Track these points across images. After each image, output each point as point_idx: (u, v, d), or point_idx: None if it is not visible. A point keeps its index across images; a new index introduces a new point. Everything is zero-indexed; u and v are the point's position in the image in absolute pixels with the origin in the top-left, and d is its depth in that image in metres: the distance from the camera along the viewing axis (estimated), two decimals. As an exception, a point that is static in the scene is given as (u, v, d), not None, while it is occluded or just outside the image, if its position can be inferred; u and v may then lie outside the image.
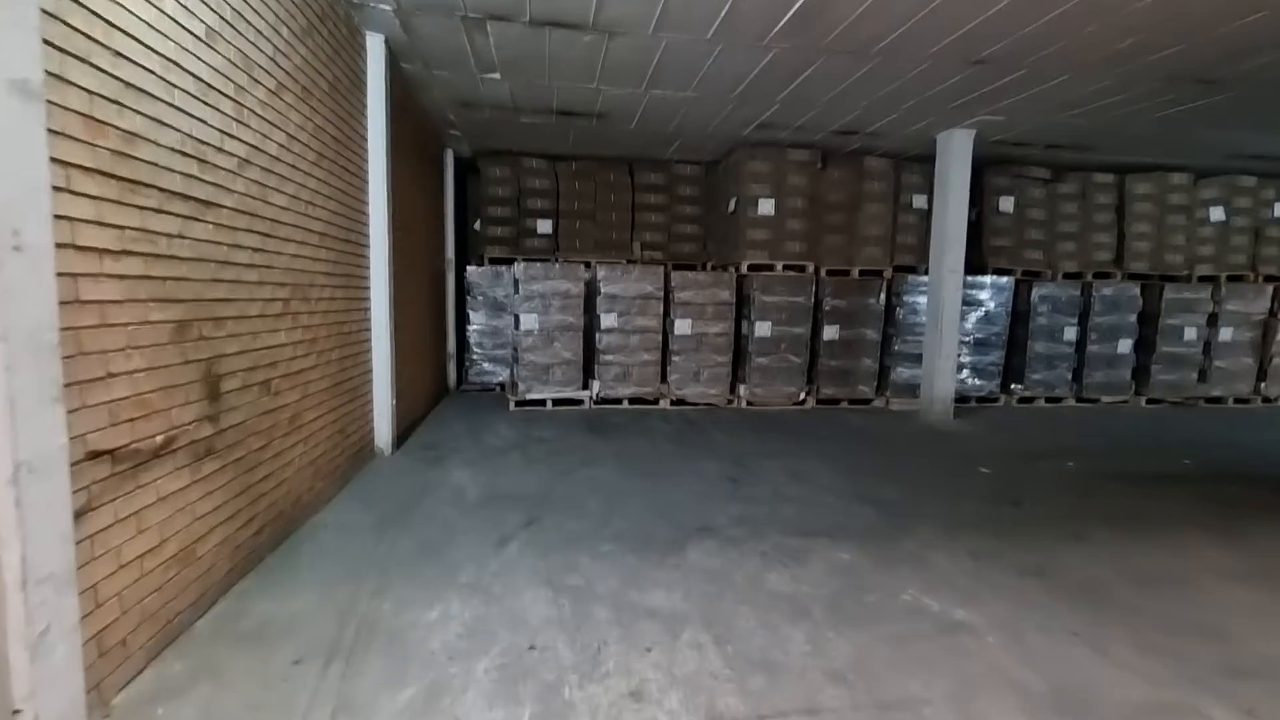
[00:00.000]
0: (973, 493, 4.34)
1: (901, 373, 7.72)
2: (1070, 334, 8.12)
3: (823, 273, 7.66)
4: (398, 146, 5.32)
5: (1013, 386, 8.13)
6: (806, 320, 7.48)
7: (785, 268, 7.55)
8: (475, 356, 8.11)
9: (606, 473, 4.65)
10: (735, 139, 7.30)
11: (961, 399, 7.49)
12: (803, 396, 7.61)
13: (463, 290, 8.15)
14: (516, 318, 7.04)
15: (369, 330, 4.83)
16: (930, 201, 7.75)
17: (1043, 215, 8.09)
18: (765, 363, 7.47)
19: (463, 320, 8.19)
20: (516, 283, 6.99)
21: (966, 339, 7.72)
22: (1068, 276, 8.22)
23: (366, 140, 4.72)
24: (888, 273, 7.78)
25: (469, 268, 8.11)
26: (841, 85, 5.41)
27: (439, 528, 3.51)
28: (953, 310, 6.90)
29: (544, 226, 8.28)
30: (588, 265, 7.45)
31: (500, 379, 8.12)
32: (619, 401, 7.30)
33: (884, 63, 4.90)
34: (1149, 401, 8.35)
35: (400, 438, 5.33)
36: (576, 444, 5.53)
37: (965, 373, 7.82)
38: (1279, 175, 8.38)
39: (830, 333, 7.57)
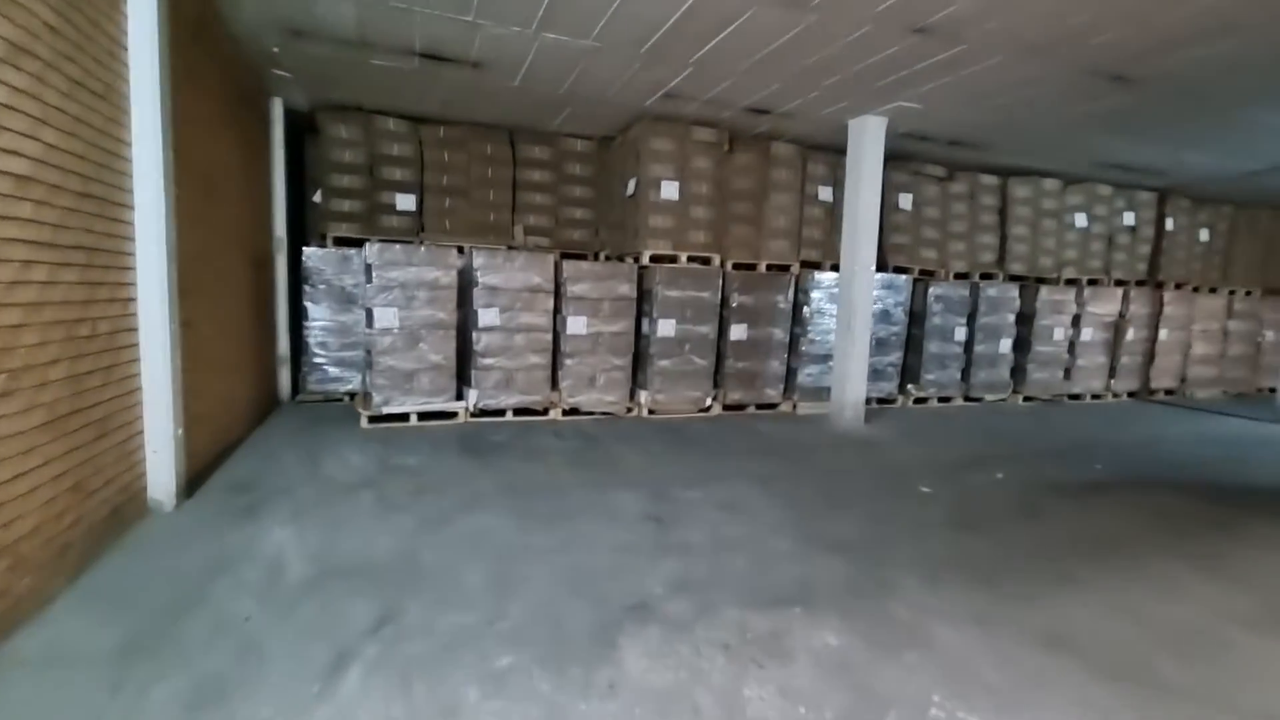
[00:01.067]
0: (928, 521, 3.78)
1: (807, 375, 7.27)
2: (960, 334, 8.15)
3: (729, 266, 6.99)
4: (192, 78, 3.80)
5: (908, 387, 8.00)
6: (713, 318, 6.77)
7: (690, 259, 6.78)
8: (317, 360, 6.52)
9: (494, 520, 3.54)
10: (636, 110, 6.38)
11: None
12: (709, 402, 6.90)
13: (299, 277, 6.51)
14: (370, 312, 5.62)
15: (135, 331, 3.31)
16: (836, 194, 7.38)
17: (937, 214, 8.03)
18: (668, 365, 6.65)
19: (299, 314, 6.55)
20: (369, 269, 5.57)
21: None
22: (958, 276, 8.26)
23: (126, 52, 3.20)
24: (795, 268, 7.29)
25: (307, 249, 6.48)
26: (768, 48, 4.67)
27: (231, 646, 2.24)
28: (865, 309, 6.50)
29: (405, 202, 6.84)
30: (461, 250, 6.19)
31: (350, 387, 6.61)
32: (501, 413, 6.13)
33: (821, 21, 4.21)
34: (1025, 399, 8.66)
35: (195, 480, 3.83)
36: (451, 474, 4.34)
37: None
38: (1130, 185, 9.02)
39: (738, 332, 6.92)
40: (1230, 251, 10.10)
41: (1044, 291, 8.46)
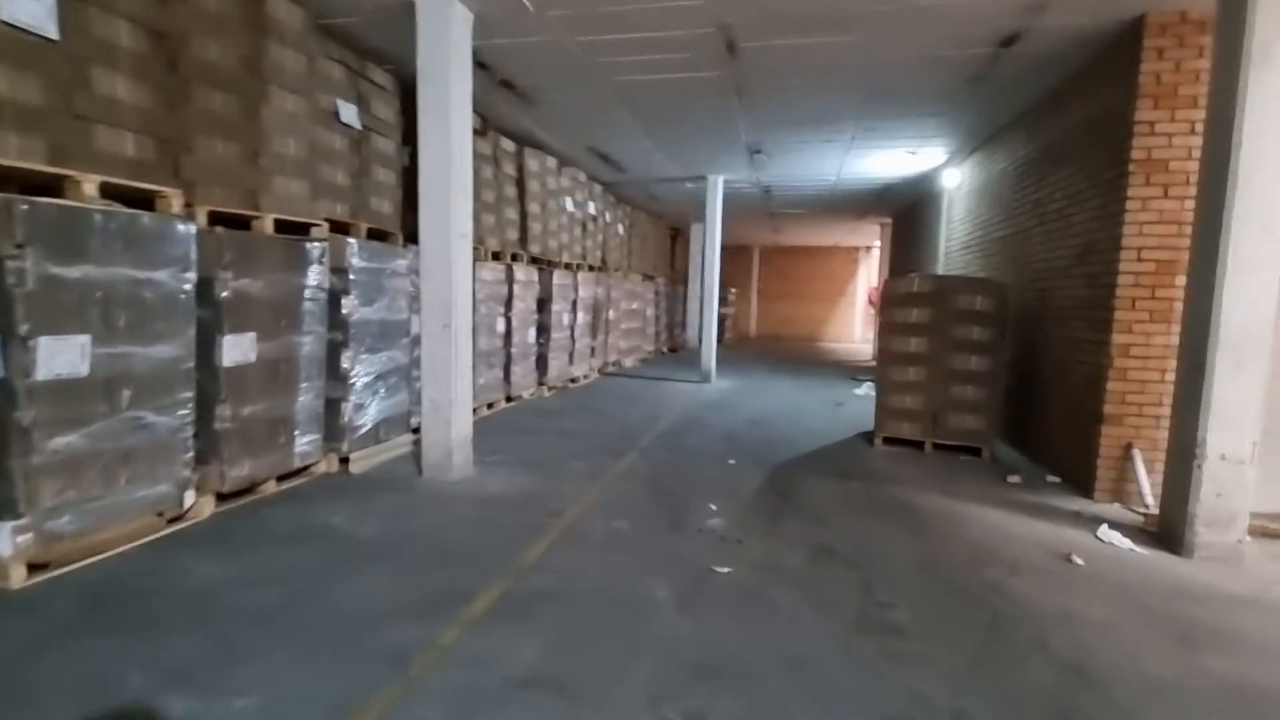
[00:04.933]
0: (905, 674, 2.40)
1: (358, 408, 4.52)
2: (501, 325, 6.87)
3: (202, 216, 3.45)
4: None
5: (459, 397, 6.19)
6: (181, 326, 3.21)
7: (108, 194, 2.96)
8: None
9: None
10: None
11: (414, 430, 5.03)
12: (188, 502, 3.32)
13: None
14: None
15: None
16: (365, 120, 4.76)
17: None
18: (78, 446, 2.77)
19: None
20: None
21: (394, 342, 5.14)
22: (494, 257, 6.87)
23: None
24: (321, 230, 4.30)
25: None
26: None
27: None
28: (467, 299, 4.35)
29: None
30: None
31: None
32: None
33: None
34: (549, 390, 8.16)
35: None
36: None
37: (402, 396, 5.23)
38: (593, 177, 9.58)
39: (236, 350, 3.55)
40: (630, 244, 12.34)
41: (556, 275, 8.07)
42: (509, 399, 7.19)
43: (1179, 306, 3.98)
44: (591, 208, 9.68)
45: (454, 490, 4.07)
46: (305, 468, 4.19)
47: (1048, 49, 4.46)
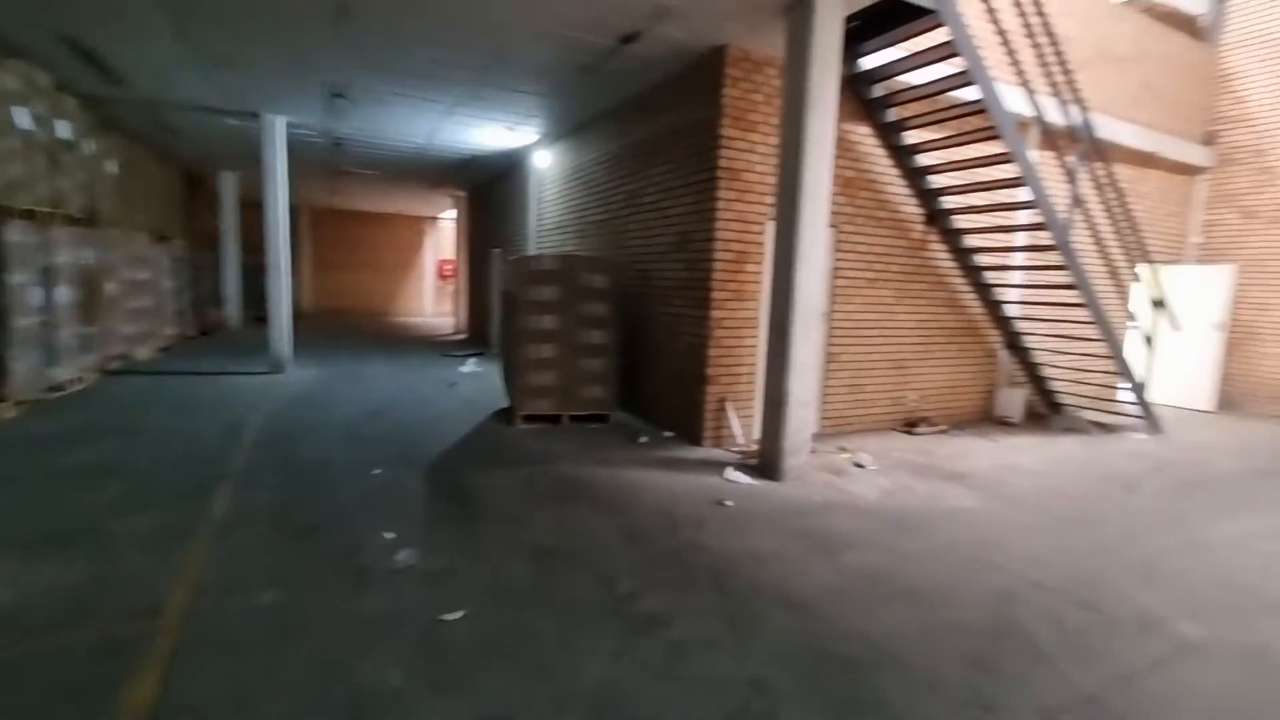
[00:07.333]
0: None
1: None
2: (-98, 309, 3.99)
3: None
4: None
5: None
6: None
7: None
8: None
9: None
10: None
11: None
12: None
13: None
14: None
15: None
16: None
17: None
18: None
19: None
20: None
21: None
22: None
23: None
24: None
25: None
26: None
27: None
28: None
29: None
30: None
31: None
32: None
33: None
34: (17, 406, 5.22)
35: None
36: None
37: None
38: (68, 85, 6.38)
39: None
40: (129, 190, 8.90)
41: (15, 230, 5.15)
42: (-67, 432, 4.31)
43: (749, 288, 5.14)
44: (64, 130, 6.51)
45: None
46: None
47: (651, 55, 4.99)
